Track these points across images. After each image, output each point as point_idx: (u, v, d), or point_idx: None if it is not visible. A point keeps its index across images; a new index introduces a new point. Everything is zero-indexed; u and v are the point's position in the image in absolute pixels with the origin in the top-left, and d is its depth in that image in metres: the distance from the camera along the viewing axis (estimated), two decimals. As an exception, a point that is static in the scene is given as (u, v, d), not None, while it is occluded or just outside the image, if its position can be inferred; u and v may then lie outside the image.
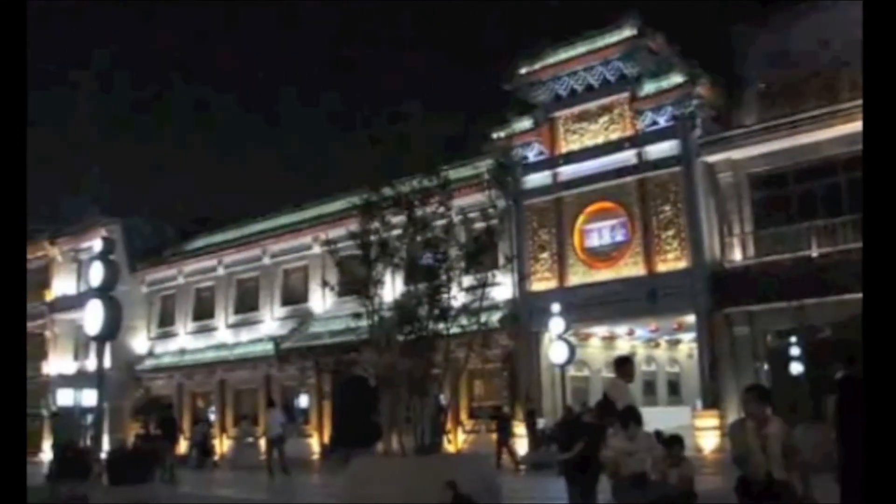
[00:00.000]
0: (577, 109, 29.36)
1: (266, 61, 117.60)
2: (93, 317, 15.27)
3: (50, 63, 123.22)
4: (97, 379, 16.87)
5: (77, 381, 42.29)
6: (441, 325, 10.76)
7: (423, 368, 10.87)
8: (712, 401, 25.32)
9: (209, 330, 42.36)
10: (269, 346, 36.05)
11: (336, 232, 26.06)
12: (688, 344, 31.58)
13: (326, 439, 34.86)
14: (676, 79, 26.94)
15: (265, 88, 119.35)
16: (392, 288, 11.38)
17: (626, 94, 28.07)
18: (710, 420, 24.96)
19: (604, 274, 28.13)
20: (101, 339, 15.98)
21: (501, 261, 12.74)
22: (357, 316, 11.37)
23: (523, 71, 29.86)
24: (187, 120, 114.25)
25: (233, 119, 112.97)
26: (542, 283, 29.39)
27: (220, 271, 42.16)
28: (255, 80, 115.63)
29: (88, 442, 31.07)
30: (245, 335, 39.92)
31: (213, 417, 40.85)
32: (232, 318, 41.41)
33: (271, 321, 38.99)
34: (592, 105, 29.01)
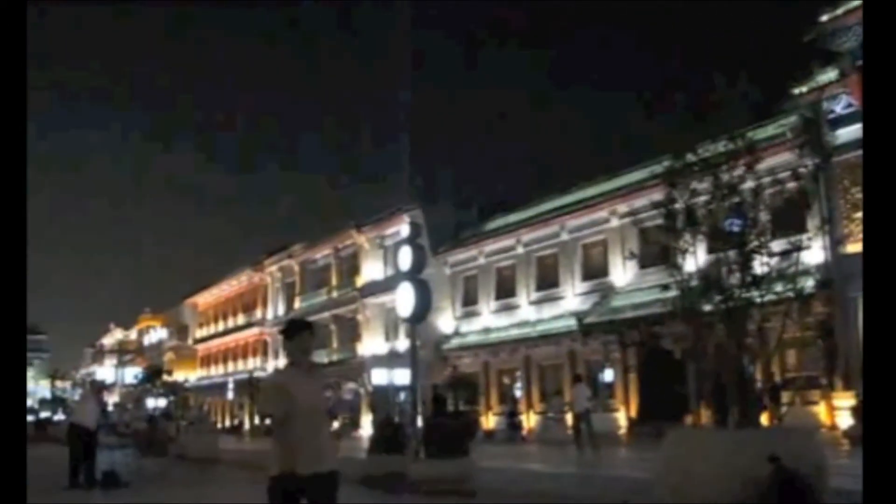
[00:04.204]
0: (890, 52, 27.35)
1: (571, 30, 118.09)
2: (404, 300, 15.82)
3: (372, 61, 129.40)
4: (410, 358, 17.47)
5: (389, 360, 44.32)
6: (753, 293, 10.26)
7: (735, 339, 10.41)
8: None
9: (511, 308, 43.11)
10: (572, 322, 36.18)
11: (636, 203, 25.78)
12: None
13: (633, 413, 34.59)
14: None
15: (564, 61, 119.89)
16: (694, 257, 10.99)
17: (949, 30, 25.81)
18: None
19: (928, 230, 26.10)
20: (412, 321, 16.53)
21: (815, 222, 11.99)
22: (665, 287, 11.05)
23: (825, 18, 28.10)
24: (486, 102, 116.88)
25: (528, 97, 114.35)
26: (857, 244, 27.67)
27: (520, 250, 42.76)
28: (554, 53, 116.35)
29: (403, 418, 32.39)
30: (547, 312, 40.31)
31: (518, 394, 41.60)
32: (533, 296, 41.94)
33: (572, 297, 39.13)
34: (909, 45, 26.91)
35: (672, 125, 11.15)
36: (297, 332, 6.33)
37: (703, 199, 10.74)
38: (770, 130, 26.35)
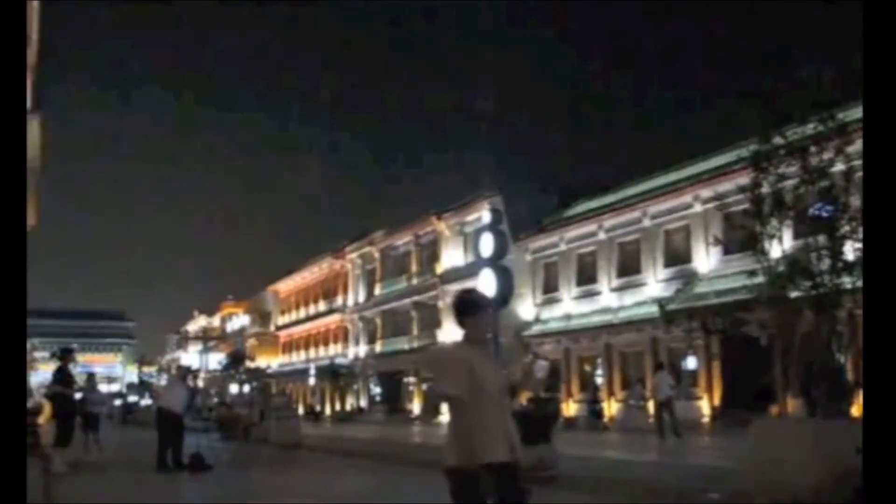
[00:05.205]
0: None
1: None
2: (486, 286, 15.70)
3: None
4: (493, 346, 17.38)
5: (469, 347, 44.26)
6: (844, 280, 10.00)
7: (825, 326, 10.16)
8: None
9: (593, 294, 42.81)
10: (654, 309, 35.71)
11: (721, 187, 25.33)
12: None
13: (717, 401, 34.13)
14: None
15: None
16: (779, 242, 10.74)
17: None
18: None
19: None
20: (494, 308, 16.43)
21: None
22: (751, 273, 10.85)
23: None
24: (567, 87, 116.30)
25: (605, 83, 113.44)
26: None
27: (601, 236, 42.41)
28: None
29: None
30: (629, 298, 39.94)
31: (600, 381, 41.32)
32: (615, 282, 41.58)
33: (655, 283, 38.70)
34: None
35: (760, 108, 10.89)
36: (477, 307, 5.63)
37: (791, 182, 10.50)
38: (861, 111, 25.66)
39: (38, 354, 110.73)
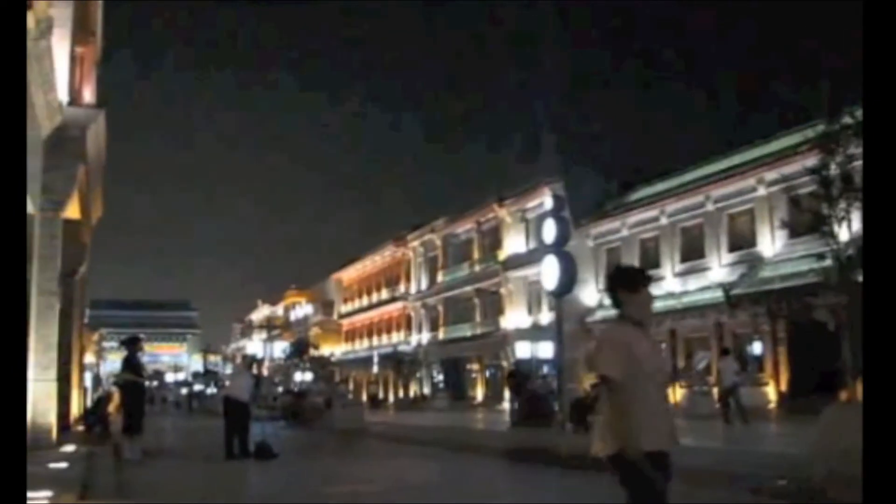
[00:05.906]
0: None
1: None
2: (549, 272, 15.67)
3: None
4: (556, 332, 17.36)
5: (532, 334, 44.21)
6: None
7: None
8: None
9: (656, 280, 42.34)
10: (718, 294, 35.32)
11: (786, 169, 24.90)
12: None
13: (784, 387, 33.68)
14: None
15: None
16: (848, 224, 10.54)
17: None
18: None
19: None
20: (558, 294, 16.39)
21: None
22: (819, 257, 10.67)
23: None
24: (627, 70, 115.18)
25: (671, 63, 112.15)
26: None
27: (663, 220, 42.03)
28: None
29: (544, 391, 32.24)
30: (692, 283, 39.54)
31: (664, 367, 40.99)
32: (678, 267, 41.20)
33: (719, 268, 38.28)
34: None
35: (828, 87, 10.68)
36: (638, 282, 5.17)
37: (860, 163, 10.30)
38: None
39: (106, 344, 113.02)
